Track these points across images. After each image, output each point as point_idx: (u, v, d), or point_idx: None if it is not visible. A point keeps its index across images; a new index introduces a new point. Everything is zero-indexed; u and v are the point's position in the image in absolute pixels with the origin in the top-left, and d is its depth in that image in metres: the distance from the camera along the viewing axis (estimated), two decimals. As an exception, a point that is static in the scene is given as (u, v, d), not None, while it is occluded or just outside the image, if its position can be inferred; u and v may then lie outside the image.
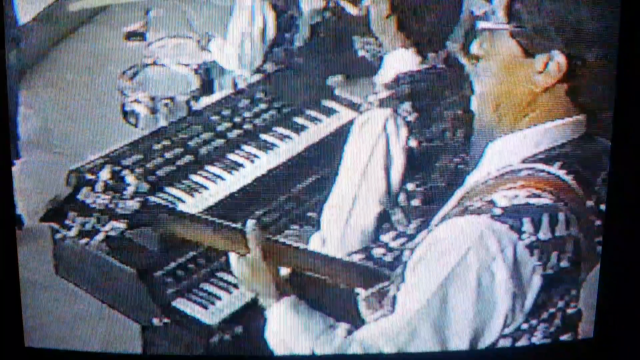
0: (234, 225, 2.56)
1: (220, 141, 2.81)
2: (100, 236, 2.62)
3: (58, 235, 2.67)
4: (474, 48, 2.35)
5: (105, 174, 2.67)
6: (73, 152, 2.73)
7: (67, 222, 2.66)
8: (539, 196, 2.20)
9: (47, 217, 2.69)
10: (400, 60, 2.64)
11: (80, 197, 2.66)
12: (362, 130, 2.62)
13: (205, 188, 2.74)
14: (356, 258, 2.57)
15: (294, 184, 2.76)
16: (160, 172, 2.73)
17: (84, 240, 2.63)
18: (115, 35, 2.76)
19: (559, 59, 2.23)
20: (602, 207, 2.43)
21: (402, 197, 2.61)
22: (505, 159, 2.30)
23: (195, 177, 2.76)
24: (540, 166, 2.27)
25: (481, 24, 2.32)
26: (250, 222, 2.49)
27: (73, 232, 2.64)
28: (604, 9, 2.29)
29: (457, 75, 2.60)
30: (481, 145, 2.38)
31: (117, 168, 2.71)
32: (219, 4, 2.83)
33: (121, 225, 2.61)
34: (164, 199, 2.70)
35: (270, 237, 2.54)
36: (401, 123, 2.59)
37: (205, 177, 2.76)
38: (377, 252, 2.56)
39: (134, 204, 2.64)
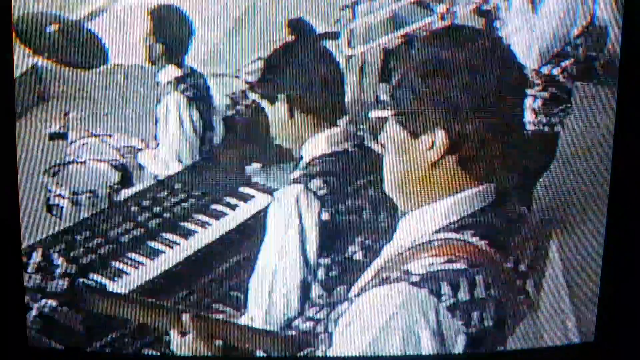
0: (171, 306, 2.65)
1: (140, 230, 2.93)
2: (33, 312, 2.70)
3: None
4: (375, 146, 2.43)
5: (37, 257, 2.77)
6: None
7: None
8: (454, 262, 2.23)
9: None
10: (313, 147, 2.76)
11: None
12: (275, 207, 2.70)
13: (126, 274, 2.84)
14: (284, 331, 2.65)
15: (216, 266, 2.87)
16: (83, 261, 2.83)
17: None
18: (38, 135, 2.89)
19: (440, 135, 2.27)
20: (522, 267, 2.42)
21: (320, 271, 2.67)
22: (418, 232, 2.33)
23: (116, 264, 2.86)
24: (452, 235, 2.29)
25: (372, 113, 2.40)
26: (186, 315, 2.56)
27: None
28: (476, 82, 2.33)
29: (369, 157, 2.71)
30: (394, 219, 2.44)
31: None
32: (135, 103, 2.99)
33: (53, 302, 2.69)
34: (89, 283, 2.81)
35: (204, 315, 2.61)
36: (312, 197, 2.67)
37: (127, 264, 2.86)
38: (304, 325, 2.63)
39: (63, 283, 2.73)
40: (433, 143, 2.27)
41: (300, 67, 2.73)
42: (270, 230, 2.68)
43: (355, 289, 2.43)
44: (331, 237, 2.66)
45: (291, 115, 2.73)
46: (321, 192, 2.65)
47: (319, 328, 2.58)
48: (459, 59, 2.28)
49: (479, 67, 2.28)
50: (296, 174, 2.71)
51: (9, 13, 2.70)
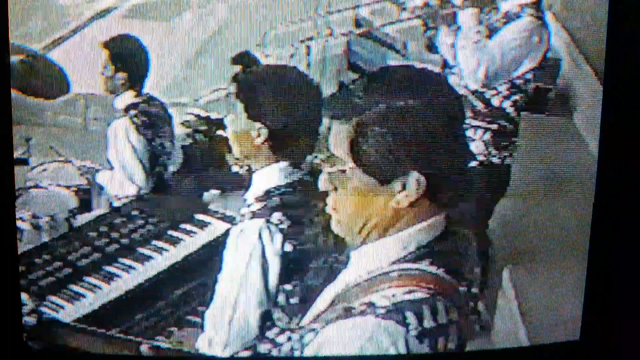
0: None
1: (97, 255, 2.97)
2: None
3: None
4: (321, 187, 2.41)
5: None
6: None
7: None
8: (415, 292, 2.26)
9: None
10: (267, 177, 2.78)
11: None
12: (237, 241, 2.73)
13: (84, 297, 2.88)
14: (244, 354, 2.71)
15: (172, 290, 2.93)
16: (42, 283, 2.88)
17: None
18: (-1, 160, 2.93)
19: (416, 177, 2.28)
20: (474, 290, 2.52)
21: (281, 297, 2.72)
22: (375, 263, 2.34)
23: (74, 287, 2.91)
24: (408, 265, 2.32)
25: (327, 171, 2.38)
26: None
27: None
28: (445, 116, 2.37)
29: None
30: (345, 251, 2.46)
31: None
32: (94, 130, 3.03)
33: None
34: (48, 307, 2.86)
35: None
36: (275, 230, 2.70)
37: (84, 287, 2.91)
38: (264, 347, 2.68)
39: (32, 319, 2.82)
40: (404, 185, 2.29)
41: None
42: (229, 262, 2.73)
43: (310, 316, 2.47)
44: (292, 266, 2.71)
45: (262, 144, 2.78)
46: (282, 226, 2.70)
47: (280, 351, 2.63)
48: (412, 102, 2.31)
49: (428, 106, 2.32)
50: (254, 207, 2.74)
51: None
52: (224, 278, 2.74)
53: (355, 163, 2.28)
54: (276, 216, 2.71)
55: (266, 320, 2.71)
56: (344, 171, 2.30)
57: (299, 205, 2.74)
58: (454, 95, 2.52)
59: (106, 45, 2.98)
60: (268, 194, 2.75)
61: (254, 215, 2.73)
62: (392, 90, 2.31)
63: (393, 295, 2.24)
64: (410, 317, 2.21)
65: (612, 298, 2.92)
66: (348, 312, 2.26)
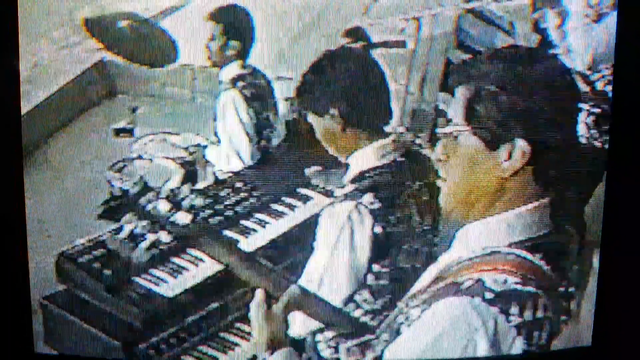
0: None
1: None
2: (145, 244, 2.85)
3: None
4: (437, 154, 2.49)
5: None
6: (62, 236, 2.90)
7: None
8: (524, 284, 2.34)
9: (107, 214, 2.91)
10: (361, 160, 2.82)
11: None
12: (326, 223, 2.77)
13: (186, 270, 2.91)
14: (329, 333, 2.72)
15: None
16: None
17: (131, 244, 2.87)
18: (104, 130, 2.96)
19: (522, 145, 2.36)
20: (571, 289, 2.55)
21: (370, 278, 2.73)
22: (482, 242, 2.41)
23: (177, 260, 2.94)
24: (524, 254, 2.38)
25: (440, 131, 2.47)
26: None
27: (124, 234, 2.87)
28: (556, 93, 2.46)
29: (420, 165, 2.76)
30: (450, 229, 2.53)
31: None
32: (203, 104, 3.04)
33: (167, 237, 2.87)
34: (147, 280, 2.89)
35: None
36: (365, 212, 2.73)
37: (186, 260, 2.94)
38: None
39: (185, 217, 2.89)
40: (510, 154, 2.37)
41: (348, 78, 2.80)
42: (320, 244, 2.77)
43: (410, 295, 2.54)
44: (382, 249, 2.73)
45: (344, 129, 2.80)
46: (373, 207, 2.72)
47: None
48: (526, 74, 2.41)
49: (540, 82, 2.42)
50: (346, 189, 2.79)
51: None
52: (312, 262, 2.78)
53: (468, 124, 2.36)
54: (367, 198, 2.73)
55: (349, 301, 2.74)
56: (455, 137, 2.38)
57: (391, 186, 2.76)
58: (567, 73, 2.61)
59: (216, 15, 2.97)
60: (361, 177, 2.79)
61: (346, 197, 2.78)
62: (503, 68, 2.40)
63: (505, 282, 2.32)
64: (514, 308, 2.31)
65: (624, 303, 2.91)
66: (457, 289, 2.33)
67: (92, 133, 2.93)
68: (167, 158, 3.06)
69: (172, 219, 2.88)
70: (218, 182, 3.06)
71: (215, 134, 3.04)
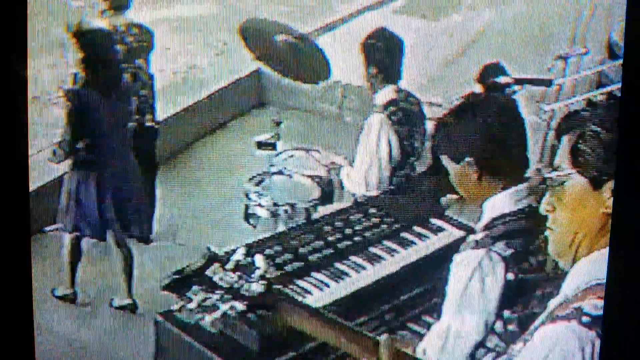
0: (368, 334, 2.55)
1: (329, 250, 2.89)
2: (217, 313, 2.68)
3: (175, 306, 2.77)
4: (543, 206, 2.36)
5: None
6: (194, 245, 2.86)
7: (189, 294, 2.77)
8: None
9: (171, 286, 2.81)
10: (495, 206, 2.65)
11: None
12: (458, 268, 2.62)
13: (310, 293, 2.81)
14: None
15: (397, 295, 2.81)
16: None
17: (199, 315, 2.72)
18: (246, 142, 2.95)
19: None
20: None
21: (498, 325, 2.60)
22: (586, 278, 2.29)
23: (301, 282, 2.83)
24: None
25: (547, 176, 2.36)
26: (385, 337, 2.55)
27: (193, 305, 2.74)
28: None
29: None
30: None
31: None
32: (348, 121, 2.99)
33: (241, 306, 2.70)
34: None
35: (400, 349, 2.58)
36: (497, 259, 2.58)
37: (311, 283, 2.83)
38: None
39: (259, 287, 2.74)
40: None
41: (488, 126, 2.63)
42: (451, 288, 2.63)
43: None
44: (512, 295, 2.59)
45: (479, 178, 2.68)
46: (505, 254, 2.58)
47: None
48: None
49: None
50: (478, 235, 2.62)
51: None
52: (446, 304, 2.63)
53: (574, 167, 2.27)
54: (500, 245, 2.58)
55: (485, 347, 2.60)
56: (562, 183, 2.31)
57: (523, 233, 2.61)
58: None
59: (364, 41, 2.96)
60: (493, 222, 2.63)
61: (477, 244, 2.61)
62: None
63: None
64: None
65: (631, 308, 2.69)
66: (555, 316, 2.24)
67: (233, 144, 2.95)
68: (306, 176, 3.02)
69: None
70: (355, 205, 2.98)
71: (354, 154, 2.99)
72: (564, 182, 2.31)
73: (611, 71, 2.78)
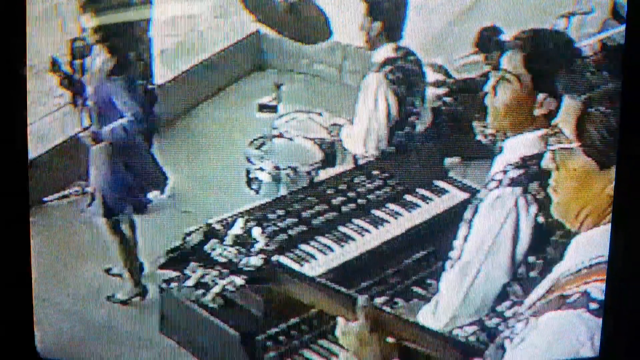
0: (348, 292, 2.48)
1: (333, 214, 2.88)
2: (216, 289, 2.68)
3: (174, 284, 2.75)
4: (545, 162, 2.34)
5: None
6: (197, 212, 2.85)
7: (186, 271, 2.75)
8: None
9: (168, 265, 2.80)
10: (526, 144, 2.64)
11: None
12: (493, 206, 2.62)
13: (314, 258, 2.79)
14: (469, 329, 2.61)
15: (401, 259, 2.80)
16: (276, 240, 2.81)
17: (199, 291, 2.71)
18: (247, 106, 2.93)
19: None
20: None
21: (521, 269, 2.61)
22: (593, 252, 2.27)
23: (305, 247, 2.82)
24: None
25: (551, 141, 2.32)
26: (363, 298, 2.54)
27: (191, 282, 2.73)
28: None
29: None
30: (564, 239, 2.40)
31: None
32: (349, 83, 2.96)
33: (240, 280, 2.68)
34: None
35: (379, 307, 2.55)
36: (531, 200, 2.59)
37: (316, 248, 2.82)
38: (491, 322, 2.59)
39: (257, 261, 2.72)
40: None
41: None
42: (480, 228, 2.62)
43: (526, 305, 2.37)
44: (542, 239, 2.58)
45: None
46: (539, 196, 2.57)
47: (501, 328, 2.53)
48: None
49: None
50: (513, 173, 2.61)
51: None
52: (471, 244, 2.61)
53: (579, 141, 2.22)
54: (534, 186, 2.57)
55: (504, 291, 2.61)
56: (568, 148, 2.25)
57: None
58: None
59: None
60: (525, 162, 2.61)
61: (512, 181, 2.60)
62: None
63: None
64: None
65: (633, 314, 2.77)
66: (562, 302, 2.18)
67: (234, 108, 2.92)
68: (307, 138, 2.99)
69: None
70: (357, 167, 2.97)
71: (354, 115, 2.96)
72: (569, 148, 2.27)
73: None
